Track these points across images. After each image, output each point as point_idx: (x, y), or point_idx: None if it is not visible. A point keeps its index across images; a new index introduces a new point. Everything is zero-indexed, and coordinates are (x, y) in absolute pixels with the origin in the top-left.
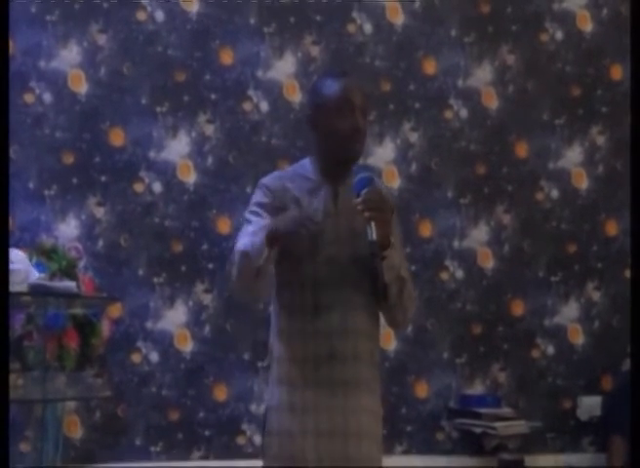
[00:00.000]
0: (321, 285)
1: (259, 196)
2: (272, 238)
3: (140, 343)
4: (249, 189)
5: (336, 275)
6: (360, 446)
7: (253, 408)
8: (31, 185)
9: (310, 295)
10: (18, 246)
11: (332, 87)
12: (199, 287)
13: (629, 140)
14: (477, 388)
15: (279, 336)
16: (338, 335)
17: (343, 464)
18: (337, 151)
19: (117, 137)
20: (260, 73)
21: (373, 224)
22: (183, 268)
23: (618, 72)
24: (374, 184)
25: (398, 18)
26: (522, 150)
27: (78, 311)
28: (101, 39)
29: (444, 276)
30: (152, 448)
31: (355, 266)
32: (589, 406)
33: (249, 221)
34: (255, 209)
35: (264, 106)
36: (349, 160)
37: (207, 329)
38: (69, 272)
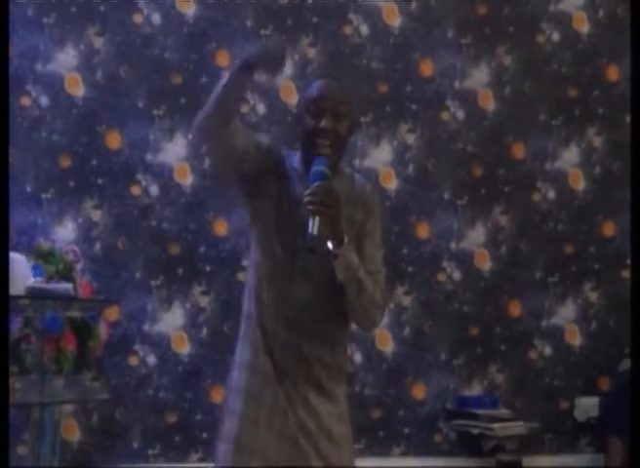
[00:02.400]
0: (285, 278)
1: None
2: (250, 62)
3: (137, 346)
4: None
5: (300, 272)
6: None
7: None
8: (28, 189)
9: (276, 286)
10: (15, 249)
11: (311, 88)
12: (196, 289)
13: (626, 141)
14: (475, 389)
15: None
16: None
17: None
18: (306, 149)
19: (114, 140)
20: (256, 75)
21: (316, 218)
22: (181, 271)
23: (614, 73)
24: (325, 178)
25: (395, 19)
26: (519, 151)
27: (75, 314)
28: (98, 42)
29: (441, 277)
30: (150, 451)
31: (320, 270)
32: (587, 406)
33: None
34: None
35: (261, 108)
36: (316, 158)
37: (204, 331)
38: (66, 275)
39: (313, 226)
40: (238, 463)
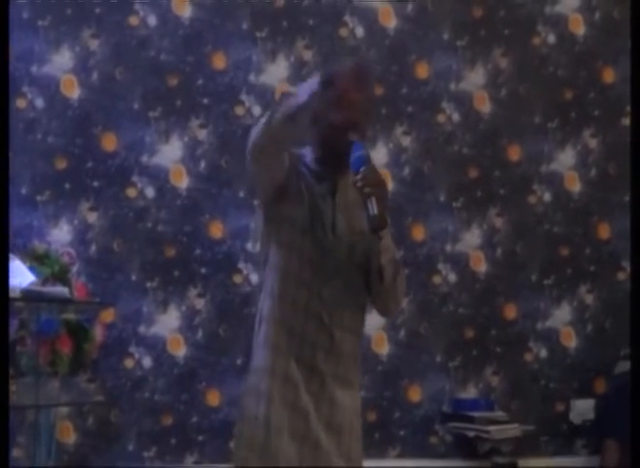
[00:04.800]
0: (315, 275)
1: None
2: (331, 80)
3: (132, 348)
4: (242, 193)
5: (330, 269)
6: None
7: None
8: (24, 191)
9: (305, 285)
10: (10, 251)
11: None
12: (192, 291)
13: (622, 143)
14: (470, 392)
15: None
16: (325, 328)
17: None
18: (335, 146)
19: (110, 142)
20: (252, 78)
21: (373, 199)
22: (176, 273)
23: (610, 75)
24: (371, 161)
25: (390, 21)
26: (514, 153)
27: (71, 316)
28: (94, 44)
29: (437, 280)
30: (145, 454)
31: (350, 261)
32: (582, 409)
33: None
34: None
35: (257, 110)
36: (347, 152)
37: (200, 333)
38: (62, 277)
39: (373, 207)
40: None
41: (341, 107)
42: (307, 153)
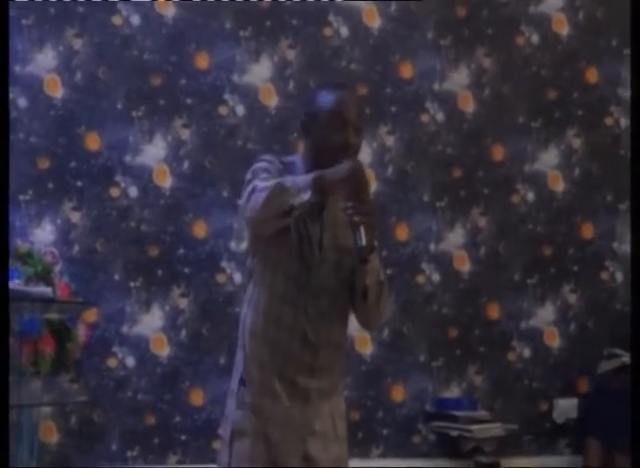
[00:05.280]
0: (301, 293)
1: (264, 165)
2: (322, 184)
3: (115, 348)
4: (225, 193)
5: (316, 286)
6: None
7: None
8: None
9: (291, 302)
10: None
11: (328, 99)
12: (175, 291)
13: (605, 143)
14: (453, 391)
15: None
16: (312, 345)
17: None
18: (326, 165)
19: (93, 142)
20: (235, 77)
21: (362, 229)
22: (160, 273)
23: (593, 75)
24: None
25: (374, 21)
26: (498, 153)
27: (54, 316)
28: (77, 43)
29: (420, 279)
30: (129, 453)
31: (336, 278)
32: (565, 408)
33: (262, 186)
34: (265, 175)
35: (240, 110)
36: None
37: (183, 333)
38: (45, 277)
39: (361, 238)
40: None
41: (335, 129)
42: (297, 162)
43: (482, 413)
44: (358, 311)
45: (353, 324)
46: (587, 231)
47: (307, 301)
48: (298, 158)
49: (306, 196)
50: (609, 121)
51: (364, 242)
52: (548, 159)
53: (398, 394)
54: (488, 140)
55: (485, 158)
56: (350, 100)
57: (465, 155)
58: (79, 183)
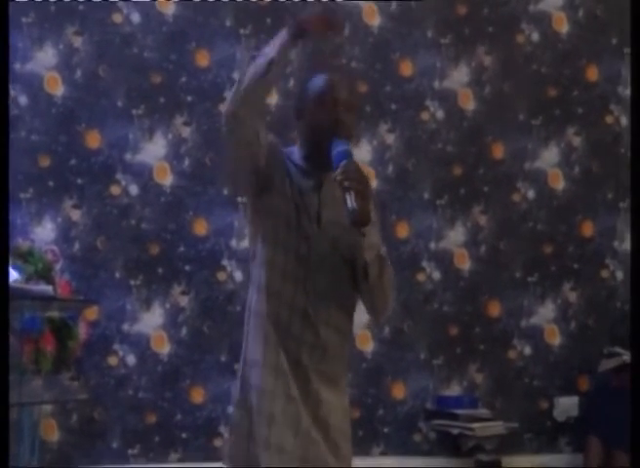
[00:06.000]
0: (300, 268)
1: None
2: (300, 27)
3: (116, 346)
4: (225, 191)
5: (315, 262)
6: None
7: (230, 410)
8: None
9: (290, 278)
10: None
11: (316, 81)
12: (176, 289)
13: (606, 141)
14: (454, 389)
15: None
16: (313, 329)
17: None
18: (319, 145)
19: (93, 140)
20: (236, 75)
21: (352, 193)
22: (160, 270)
23: (593, 73)
24: (351, 157)
25: (374, 19)
26: (498, 151)
27: (55, 314)
28: (77, 41)
29: (421, 277)
30: (129, 451)
31: (335, 255)
32: (566, 406)
33: None
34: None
35: None
36: (334, 142)
37: (184, 331)
38: (46, 275)
39: (351, 201)
40: (255, 458)
41: (326, 107)
42: (295, 151)
43: (483, 412)
44: (363, 294)
45: (354, 323)
46: (588, 229)
47: (307, 278)
48: (295, 148)
49: (272, 53)
50: (609, 119)
51: (355, 205)
52: (549, 157)
53: (399, 392)
54: (488, 138)
55: (485, 156)
56: (340, 80)
57: (466, 153)
58: (79, 181)
